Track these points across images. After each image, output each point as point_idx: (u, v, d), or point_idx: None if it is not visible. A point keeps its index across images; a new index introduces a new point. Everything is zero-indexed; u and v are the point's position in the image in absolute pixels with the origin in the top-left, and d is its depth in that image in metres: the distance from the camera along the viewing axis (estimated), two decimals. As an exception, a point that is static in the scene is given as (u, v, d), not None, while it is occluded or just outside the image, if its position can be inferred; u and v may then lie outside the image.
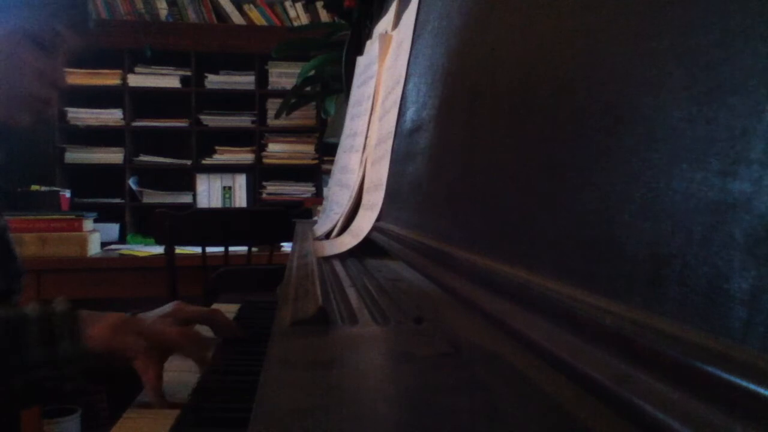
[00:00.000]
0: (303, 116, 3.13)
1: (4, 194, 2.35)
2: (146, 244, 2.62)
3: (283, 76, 3.12)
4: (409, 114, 0.72)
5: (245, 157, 3.13)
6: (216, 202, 3.09)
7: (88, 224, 2.31)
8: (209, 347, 0.70)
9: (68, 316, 0.62)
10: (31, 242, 2.14)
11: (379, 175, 0.81)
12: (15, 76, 0.82)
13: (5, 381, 0.61)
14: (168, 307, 0.72)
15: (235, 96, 3.10)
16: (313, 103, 3.02)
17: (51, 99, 0.87)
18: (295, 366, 0.32)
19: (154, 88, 3.02)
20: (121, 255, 2.31)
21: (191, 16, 3.11)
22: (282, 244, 2.22)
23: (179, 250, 2.00)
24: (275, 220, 1.94)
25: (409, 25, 0.83)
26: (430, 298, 0.46)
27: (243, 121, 3.11)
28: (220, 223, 1.92)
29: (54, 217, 2.23)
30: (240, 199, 3.12)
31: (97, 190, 2.96)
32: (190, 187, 3.07)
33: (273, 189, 3.15)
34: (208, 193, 3.10)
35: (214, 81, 3.08)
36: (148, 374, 0.62)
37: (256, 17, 3.16)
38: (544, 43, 0.35)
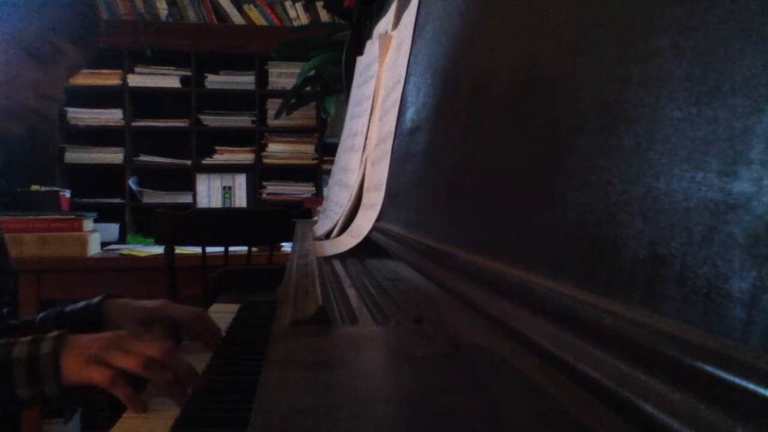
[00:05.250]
0: (303, 116, 3.13)
1: (4, 194, 2.34)
2: (146, 244, 2.62)
3: (283, 76, 3.12)
4: (409, 114, 0.72)
5: (245, 157, 3.13)
6: (216, 202, 3.09)
7: (88, 224, 2.31)
8: (187, 382, 0.66)
9: (51, 358, 0.65)
10: (31, 242, 2.13)
11: (379, 175, 0.81)
12: (6, 87, 0.80)
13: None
14: (154, 302, 0.73)
15: (235, 96, 3.10)
16: (313, 103, 3.02)
17: (46, 112, 0.85)
18: (295, 366, 0.32)
19: (154, 88, 3.02)
20: (121, 255, 2.31)
21: (191, 16, 3.11)
22: (282, 244, 2.22)
23: (179, 250, 2.00)
24: (275, 220, 1.94)
25: (409, 25, 0.83)
26: (430, 298, 0.46)
27: (243, 121, 3.11)
28: (220, 223, 1.92)
29: (54, 217, 2.22)
30: (240, 199, 3.12)
31: (97, 190, 2.97)
32: (190, 187, 3.07)
33: (273, 189, 3.15)
34: (208, 193, 3.10)
35: (214, 81, 3.08)
36: (122, 397, 0.63)
37: (256, 17, 3.16)
38: (543, 42, 0.35)
